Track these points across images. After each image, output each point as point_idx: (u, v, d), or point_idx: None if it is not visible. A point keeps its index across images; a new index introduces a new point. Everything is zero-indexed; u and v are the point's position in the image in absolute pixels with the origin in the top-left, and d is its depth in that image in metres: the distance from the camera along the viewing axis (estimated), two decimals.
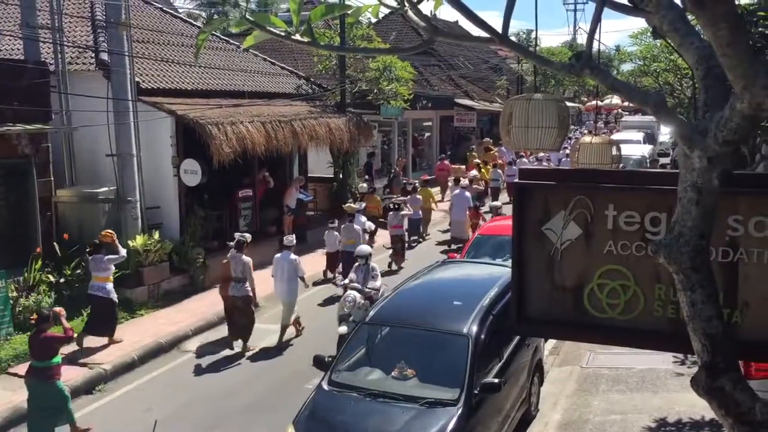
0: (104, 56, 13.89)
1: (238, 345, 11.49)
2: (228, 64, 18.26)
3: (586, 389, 9.71)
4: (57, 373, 8.33)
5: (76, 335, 10.03)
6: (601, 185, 3.71)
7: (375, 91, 21.92)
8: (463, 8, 2.66)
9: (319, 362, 7.93)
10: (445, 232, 20.18)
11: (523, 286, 3.91)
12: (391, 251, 16.87)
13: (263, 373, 10.63)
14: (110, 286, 11.28)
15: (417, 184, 20.66)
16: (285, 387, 9.94)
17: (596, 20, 2.54)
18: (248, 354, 11.34)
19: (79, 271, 12.44)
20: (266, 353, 11.47)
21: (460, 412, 6.93)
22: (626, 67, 37.28)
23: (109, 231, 11.74)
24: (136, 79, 13.94)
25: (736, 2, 8.04)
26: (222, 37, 19.08)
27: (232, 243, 11.80)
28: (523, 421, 8.79)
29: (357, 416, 7.06)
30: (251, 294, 11.33)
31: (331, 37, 20.90)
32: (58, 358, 8.39)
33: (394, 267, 16.42)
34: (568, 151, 20.50)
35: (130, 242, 13.12)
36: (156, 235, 13.60)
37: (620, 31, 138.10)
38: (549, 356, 10.99)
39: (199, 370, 10.76)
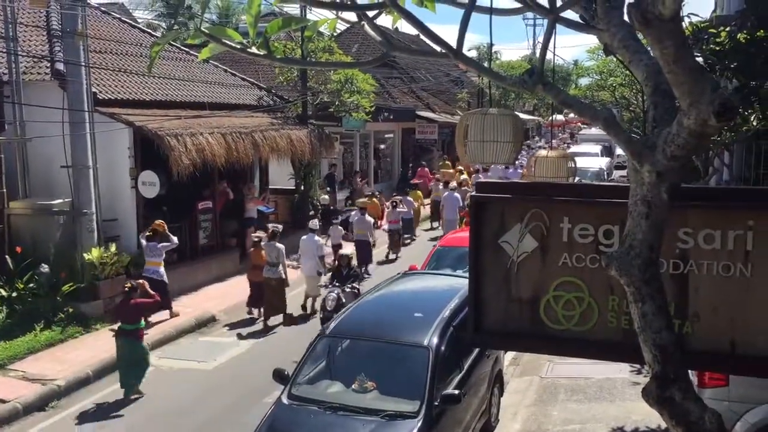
0: (60, 66, 13.65)
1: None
2: (188, 75, 18.10)
3: (546, 399, 9.79)
4: (141, 334, 10.25)
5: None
6: (555, 198, 3.76)
7: (337, 103, 21.92)
8: (417, 23, 2.69)
9: (279, 376, 7.85)
10: (428, 230, 22.88)
11: (480, 298, 3.95)
12: (388, 243, 19.08)
13: (222, 388, 10.47)
14: (162, 269, 13.08)
15: (361, 202, 20.95)
16: (243, 401, 9.81)
17: (548, 38, 2.59)
18: (275, 332, 12.93)
19: (32, 285, 12.15)
20: (224, 367, 11.33)
21: (420, 424, 6.92)
22: (584, 81, 37.94)
23: (161, 221, 13.44)
24: (93, 89, 13.70)
25: (688, 20, 8.28)
26: (182, 48, 18.90)
27: (260, 236, 14.24)
28: None
29: (316, 430, 7.01)
30: (284, 276, 13.29)
31: (293, 49, 20.87)
32: (142, 323, 10.28)
33: (392, 256, 18.84)
34: (519, 162, 21.65)
35: (85, 255, 12.87)
36: (113, 248, 13.35)
37: (578, 46, 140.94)
38: (509, 367, 11.07)
39: (155, 387, 10.56)
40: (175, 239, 13.49)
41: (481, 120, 4.02)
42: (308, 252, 13.98)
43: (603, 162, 28.96)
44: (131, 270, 13.69)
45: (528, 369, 11.09)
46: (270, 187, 20.13)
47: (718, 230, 3.47)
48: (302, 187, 20.62)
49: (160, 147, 13.72)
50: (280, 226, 14.92)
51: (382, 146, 31.77)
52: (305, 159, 19.17)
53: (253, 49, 2.95)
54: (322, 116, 21.83)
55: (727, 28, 7.91)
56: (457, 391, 7.42)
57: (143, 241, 13.27)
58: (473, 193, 3.90)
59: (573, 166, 5.77)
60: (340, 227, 17.67)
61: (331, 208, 21.92)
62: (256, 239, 14.22)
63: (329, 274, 12.34)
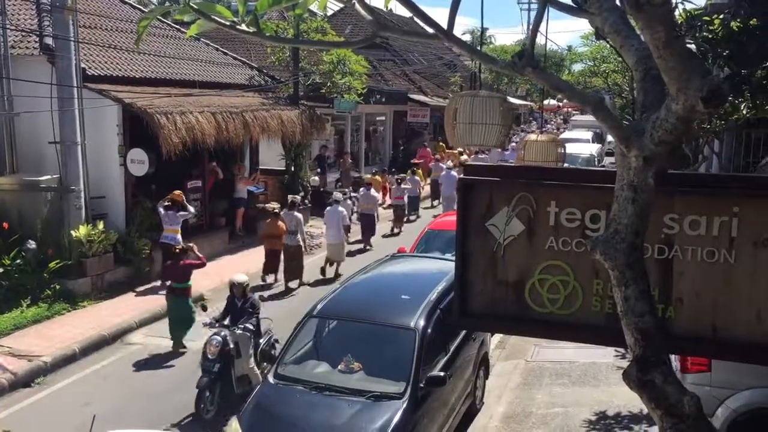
0: (49, 41, 13.48)
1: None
2: (179, 53, 17.93)
3: (530, 383, 9.88)
4: (189, 292, 11.13)
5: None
6: (543, 182, 3.77)
7: (329, 84, 21.81)
8: (409, 3, 2.67)
9: (265, 355, 7.88)
10: (428, 208, 23.71)
11: (467, 280, 3.96)
12: (393, 218, 20.25)
13: None
14: (179, 236, 13.61)
15: (368, 178, 21.78)
16: None
17: (538, 21, 2.58)
18: (296, 293, 14.00)
19: (19, 261, 12.09)
20: None
21: (405, 405, 6.97)
22: (577, 67, 37.92)
23: (179, 192, 14.23)
24: (82, 65, 13.58)
25: (682, 7, 8.25)
26: (173, 25, 18.71)
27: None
28: (468, 414, 8.89)
29: (302, 409, 7.05)
30: (302, 243, 14.53)
31: (285, 29, 20.70)
32: (190, 282, 11.09)
33: (395, 230, 19.94)
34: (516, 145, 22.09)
35: (72, 232, 12.81)
36: (100, 225, 13.30)
37: (572, 32, 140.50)
38: (495, 350, 11.14)
39: (142, 364, 10.58)
40: (191, 209, 14.40)
41: (470, 102, 4.02)
42: (332, 221, 15.46)
43: (594, 148, 29.05)
44: (119, 248, 13.67)
45: (514, 352, 11.17)
46: (260, 167, 20.05)
47: (704, 216, 3.49)
48: (292, 168, 20.56)
49: (149, 125, 13.63)
50: (298, 197, 16.54)
51: (381, 128, 31.81)
52: (296, 140, 19.09)
53: (243, 27, 2.92)
54: (314, 97, 21.72)
55: (721, 16, 7.91)
56: (442, 374, 7.48)
57: (161, 210, 13.85)
58: (461, 176, 3.90)
59: (562, 151, 5.77)
60: (349, 201, 18.28)
61: (321, 189, 21.88)
62: (271, 210, 14.86)
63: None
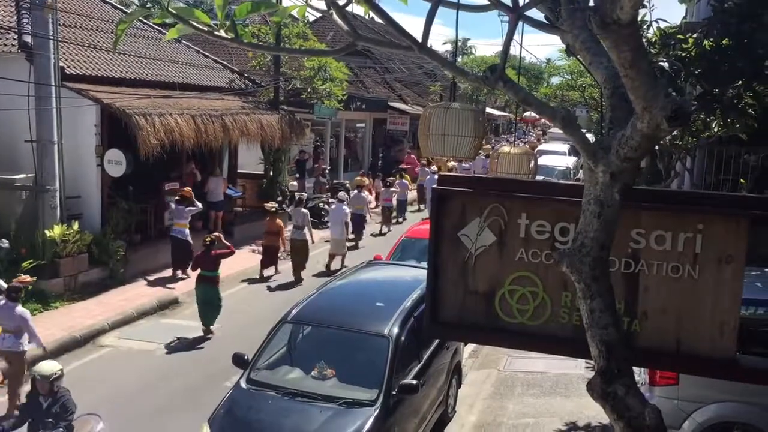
0: (28, 39, 13.37)
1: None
2: (159, 55, 17.86)
3: (502, 393, 9.94)
4: (217, 280, 11.99)
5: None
6: (515, 194, 3.83)
7: (309, 89, 21.82)
8: (384, 15, 2.72)
9: (238, 360, 7.86)
10: (415, 212, 24.80)
11: (438, 289, 4.01)
12: (381, 218, 21.47)
13: (181, 370, 10.44)
14: (187, 231, 14.67)
15: (349, 185, 22.43)
16: (202, 385, 9.79)
17: (509, 36, 2.64)
18: (302, 284, 14.95)
19: None
20: (185, 349, 11.29)
21: (377, 412, 6.99)
22: (555, 80, 38.29)
23: (189, 188, 15.32)
24: (61, 64, 13.48)
25: (656, 25, 8.40)
26: (154, 26, 18.63)
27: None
28: (439, 423, 8.92)
29: (274, 415, 7.03)
30: (307, 238, 15.40)
31: (266, 34, 20.70)
32: (219, 271, 11.95)
33: (384, 230, 21.00)
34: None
35: (47, 232, 12.68)
36: (75, 226, 13.18)
37: (551, 45, 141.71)
38: (468, 359, 11.20)
39: (114, 366, 10.49)
40: (199, 204, 15.15)
41: (444, 114, 4.08)
42: (336, 218, 16.75)
43: (570, 161, 29.30)
44: (93, 249, 13.55)
45: (486, 362, 11.23)
46: (239, 171, 20.00)
47: (669, 232, 3.57)
48: (271, 173, 20.53)
49: (127, 126, 13.55)
50: (305, 194, 18.71)
51: (359, 135, 31.93)
52: (275, 144, 19.07)
53: (221, 32, 2.95)
54: (294, 102, 21.72)
55: (694, 35, 8.07)
56: (415, 382, 7.50)
57: (172, 205, 14.87)
58: (434, 186, 3.95)
59: (535, 164, 5.85)
60: (304, 210, 17.92)
61: (298, 194, 21.89)
62: (270, 208, 15.93)
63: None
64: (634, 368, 3.22)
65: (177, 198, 14.89)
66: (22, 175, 13.27)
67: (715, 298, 3.57)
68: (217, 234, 12.77)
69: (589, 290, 2.80)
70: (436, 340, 8.65)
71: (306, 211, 15.85)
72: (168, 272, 14.90)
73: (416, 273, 9.86)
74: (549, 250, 3.72)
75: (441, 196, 3.97)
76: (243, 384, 7.49)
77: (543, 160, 21.98)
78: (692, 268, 3.56)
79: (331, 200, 17.95)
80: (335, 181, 24.24)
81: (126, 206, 14.51)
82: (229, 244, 12.47)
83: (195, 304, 13.39)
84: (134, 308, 12.65)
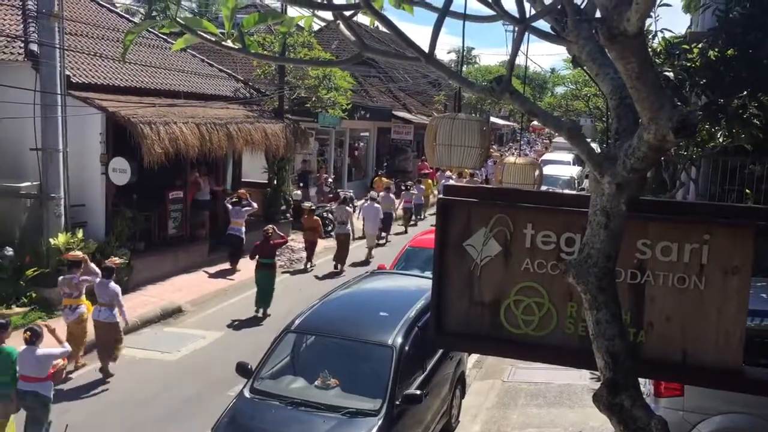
0: (34, 47, 13.45)
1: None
2: (164, 63, 17.92)
3: (506, 403, 9.90)
4: (275, 267, 14.01)
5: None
6: (520, 204, 3.83)
7: (313, 98, 21.88)
8: (390, 26, 2.73)
9: (242, 369, 7.84)
10: (433, 215, 24.39)
11: (443, 299, 4.00)
12: (402, 219, 23.51)
13: (185, 379, 10.43)
14: (243, 228, 16.66)
15: (351, 194, 23.22)
16: (206, 394, 9.77)
17: (516, 47, 2.64)
18: (344, 274, 16.54)
19: None
20: (189, 358, 11.28)
21: (380, 422, 6.97)
22: (560, 89, 38.32)
23: (244, 190, 17.24)
24: (67, 72, 13.53)
25: (661, 35, 8.41)
26: (159, 35, 18.71)
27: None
28: None
29: (277, 425, 7.01)
30: (350, 233, 17.74)
31: (272, 43, 20.78)
32: (274, 259, 13.94)
33: (405, 229, 23.06)
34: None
35: (51, 240, 12.70)
36: (80, 234, 13.19)
37: (556, 55, 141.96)
38: (472, 369, 11.17)
39: (117, 375, 10.47)
40: (254, 204, 16.97)
41: (450, 124, 4.08)
42: (370, 215, 19.19)
43: (574, 171, 29.30)
44: (98, 257, 13.55)
45: (490, 372, 11.20)
46: (243, 180, 20.03)
47: (675, 243, 3.56)
48: (275, 182, 20.56)
49: (132, 134, 13.58)
50: (350, 192, 22.68)
51: (364, 144, 32.06)
52: (279, 153, 19.11)
53: (228, 43, 2.96)
54: (299, 111, 21.77)
55: (699, 45, 8.07)
56: (419, 392, 7.48)
57: (229, 206, 16.71)
58: (441, 196, 3.95)
59: (540, 174, 5.85)
60: (348, 208, 19.41)
61: (343, 193, 22.40)
62: (308, 208, 18.11)
63: None
64: (639, 379, 3.21)
65: (233, 200, 16.79)
66: (27, 183, 13.30)
67: (722, 308, 3.56)
68: (272, 226, 14.54)
69: (595, 301, 2.79)
70: (440, 350, 8.63)
71: (350, 209, 18.12)
72: (170, 281, 14.94)
73: (420, 282, 9.85)
74: (555, 261, 3.71)
75: (446, 206, 3.97)
76: (246, 393, 7.48)
77: (547, 170, 22.00)
78: (698, 278, 3.55)
79: (365, 199, 20.15)
80: (340, 191, 24.26)
81: (130, 214, 14.52)
82: (282, 234, 14.66)
83: (198, 313, 13.56)
84: (138, 316, 12.64)
